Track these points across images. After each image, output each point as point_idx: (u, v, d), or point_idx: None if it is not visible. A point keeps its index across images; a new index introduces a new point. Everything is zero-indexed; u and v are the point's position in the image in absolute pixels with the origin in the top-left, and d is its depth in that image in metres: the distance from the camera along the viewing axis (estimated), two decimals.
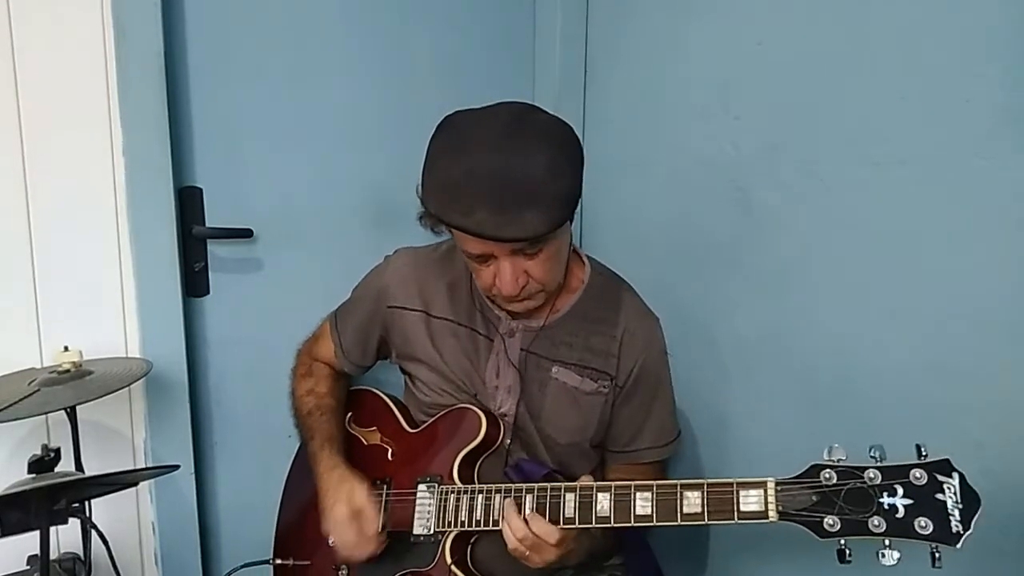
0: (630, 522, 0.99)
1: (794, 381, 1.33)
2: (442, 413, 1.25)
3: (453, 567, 1.13)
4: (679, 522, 0.95)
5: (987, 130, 1.03)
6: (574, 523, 1.03)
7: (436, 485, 1.17)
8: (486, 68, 1.77)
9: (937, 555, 0.82)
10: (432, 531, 1.15)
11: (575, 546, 1.09)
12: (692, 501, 0.95)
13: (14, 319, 1.36)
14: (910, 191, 1.13)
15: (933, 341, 1.11)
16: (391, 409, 1.34)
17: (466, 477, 1.18)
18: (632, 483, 1.00)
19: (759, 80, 1.36)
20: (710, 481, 0.95)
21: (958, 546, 0.82)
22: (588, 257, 1.30)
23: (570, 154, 1.06)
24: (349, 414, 1.38)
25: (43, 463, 1.16)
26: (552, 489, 1.06)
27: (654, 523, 0.97)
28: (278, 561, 1.34)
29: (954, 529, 0.82)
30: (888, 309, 1.17)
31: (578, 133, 1.87)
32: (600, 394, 1.22)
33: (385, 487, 1.24)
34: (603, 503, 1.01)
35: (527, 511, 1.07)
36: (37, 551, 1.06)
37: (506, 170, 1.00)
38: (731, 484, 0.93)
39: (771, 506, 0.90)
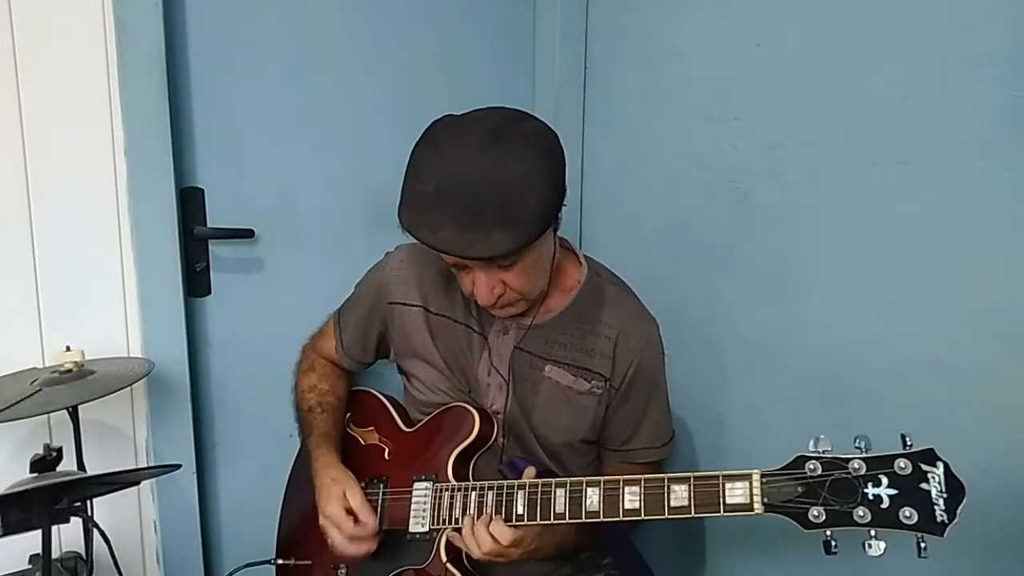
0: (619, 516, 0.99)
1: (793, 381, 1.33)
2: (437, 411, 1.26)
3: (448, 565, 1.14)
4: (666, 515, 0.95)
5: (987, 130, 1.03)
6: (564, 518, 1.04)
7: (431, 483, 1.18)
8: (486, 68, 1.78)
9: (923, 545, 0.82)
10: (427, 529, 1.16)
11: (539, 543, 1.10)
12: (679, 494, 0.95)
13: (16, 319, 1.36)
14: (910, 191, 1.13)
15: (933, 341, 1.11)
16: (388, 409, 1.35)
17: (461, 475, 1.18)
18: (620, 477, 1.01)
19: (759, 80, 1.36)
20: (696, 474, 0.95)
21: (943, 536, 0.81)
22: (586, 257, 1.29)
23: (547, 169, 1.04)
24: (348, 414, 1.38)
25: (45, 462, 1.17)
26: (543, 485, 1.06)
27: (642, 517, 0.98)
28: (279, 561, 1.34)
29: (939, 519, 0.82)
30: (888, 309, 1.17)
31: (578, 133, 1.87)
32: (593, 395, 1.22)
33: (382, 486, 1.24)
34: (592, 498, 1.02)
35: (473, 512, 1.10)
36: (39, 550, 1.06)
37: (475, 187, 1.00)
38: (717, 477, 0.93)
39: (756, 498, 0.90)
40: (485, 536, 1.06)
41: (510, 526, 1.06)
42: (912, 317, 1.14)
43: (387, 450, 1.30)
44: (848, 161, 1.21)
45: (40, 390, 1.17)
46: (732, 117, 1.41)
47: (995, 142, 1.02)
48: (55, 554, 1.27)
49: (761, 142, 1.36)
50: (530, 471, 1.14)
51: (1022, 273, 1.01)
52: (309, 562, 1.31)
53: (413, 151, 1.07)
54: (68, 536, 1.35)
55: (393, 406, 1.36)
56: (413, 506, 1.18)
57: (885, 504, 0.84)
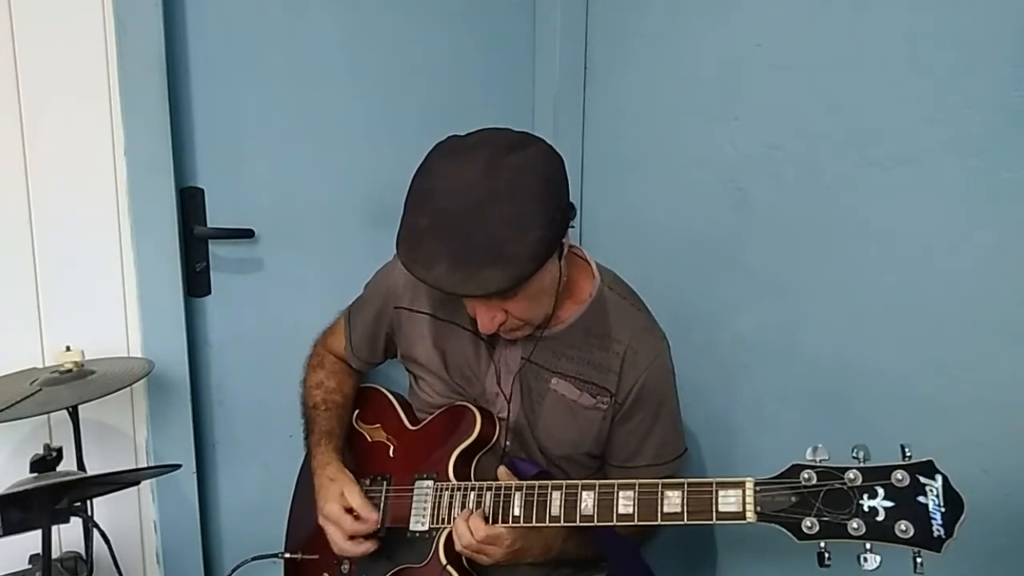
0: (612, 521, 0.99)
1: (794, 380, 1.33)
2: (440, 411, 1.26)
3: (446, 564, 1.14)
4: (659, 521, 0.95)
5: (987, 130, 1.03)
6: (559, 521, 1.04)
7: (433, 482, 1.18)
8: (486, 68, 1.78)
9: (919, 560, 0.79)
10: (427, 527, 1.17)
11: (523, 543, 1.10)
12: (672, 501, 0.94)
13: (16, 319, 1.36)
14: (910, 191, 1.13)
15: (933, 341, 1.11)
16: (394, 407, 1.35)
17: (462, 474, 1.19)
18: (615, 482, 1.01)
19: (759, 80, 1.36)
20: (690, 480, 0.94)
21: (940, 552, 0.79)
22: (600, 269, 1.27)
23: (542, 205, 1.01)
24: (356, 411, 1.39)
25: (45, 462, 1.17)
26: (539, 487, 1.07)
27: (635, 522, 0.97)
28: (287, 555, 1.34)
29: (936, 534, 0.79)
30: (888, 309, 1.17)
31: (578, 133, 1.87)
32: (598, 410, 1.21)
33: (385, 483, 1.25)
34: (587, 501, 1.01)
35: (458, 509, 1.12)
36: (39, 550, 1.06)
37: (467, 225, 0.99)
38: (711, 483, 0.92)
39: (749, 506, 0.89)
40: (463, 528, 1.08)
41: (505, 526, 1.07)
42: (912, 317, 1.14)
43: (392, 447, 1.30)
44: (848, 161, 1.21)
45: (40, 390, 1.17)
46: (732, 117, 1.41)
47: (995, 142, 1.02)
48: (55, 554, 1.27)
49: (761, 142, 1.36)
50: (501, 471, 1.15)
51: (1022, 273, 1.01)
52: (316, 556, 1.31)
53: (412, 180, 1.07)
54: (68, 536, 1.35)
55: (400, 404, 1.36)
56: (414, 504, 1.19)
57: (880, 517, 0.81)
